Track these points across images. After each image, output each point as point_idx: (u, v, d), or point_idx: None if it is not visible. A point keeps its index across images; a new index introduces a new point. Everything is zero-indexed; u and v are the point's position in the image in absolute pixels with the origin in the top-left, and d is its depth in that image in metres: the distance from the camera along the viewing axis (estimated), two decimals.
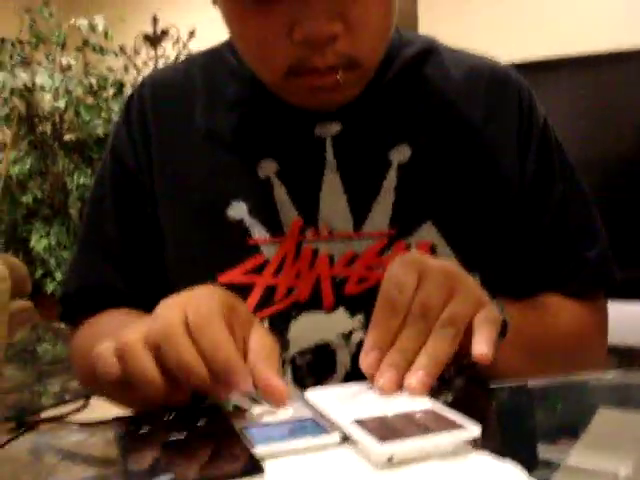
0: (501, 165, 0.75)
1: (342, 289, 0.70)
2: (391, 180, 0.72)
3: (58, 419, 1.94)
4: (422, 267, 0.53)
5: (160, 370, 0.47)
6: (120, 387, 0.49)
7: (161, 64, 4.67)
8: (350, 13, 0.61)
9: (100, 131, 4.42)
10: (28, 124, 4.47)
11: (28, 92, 4.33)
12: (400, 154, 0.73)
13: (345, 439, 0.42)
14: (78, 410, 2.01)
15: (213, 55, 0.81)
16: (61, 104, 4.32)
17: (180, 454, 0.38)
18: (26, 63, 4.41)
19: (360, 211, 0.71)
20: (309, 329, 0.70)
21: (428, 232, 0.71)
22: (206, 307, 0.49)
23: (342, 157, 0.73)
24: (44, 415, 1.95)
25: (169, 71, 0.84)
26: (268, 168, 0.73)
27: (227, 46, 0.80)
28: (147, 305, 0.56)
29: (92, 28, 4.36)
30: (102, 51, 4.52)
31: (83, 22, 4.35)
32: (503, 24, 3.26)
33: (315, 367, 0.70)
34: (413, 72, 0.77)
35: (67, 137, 4.55)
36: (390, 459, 0.38)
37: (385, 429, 0.40)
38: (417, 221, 0.71)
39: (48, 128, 4.51)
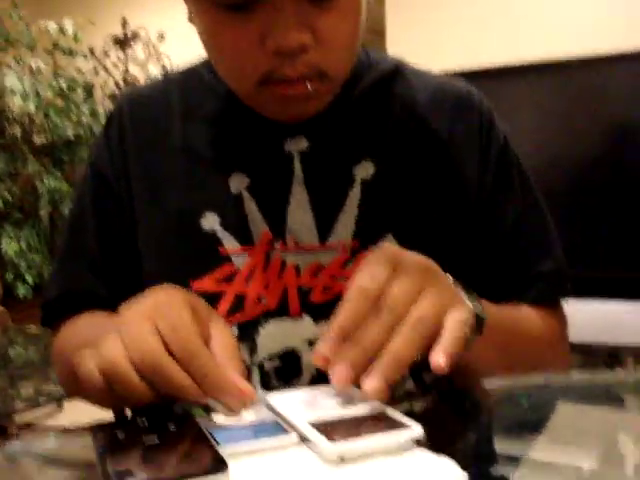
0: (462, 181, 0.79)
1: (308, 298, 0.74)
2: (355, 195, 0.76)
3: (33, 424, 1.94)
4: (398, 260, 0.54)
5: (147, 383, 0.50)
6: (104, 394, 0.51)
7: (131, 66, 4.66)
8: (319, 25, 0.65)
9: (70, 133, 4.39)
10: None
11: None
12: (364, 170, 0.76)
13: (303, 440, 0.46)
14: (52, 413, 2.03)
15: (190, 73, 0.85)
16: (31, 107, 4.29)
17: (154, 456, 0.42)
18: None
19: (325, 224, 0.75)
20: (276, 335, 0.74)
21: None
22: (178, 318, 0.51)
23: (309, 172, 0.76)
24: (18, 419, 1.96)
25: (147, 88, 0.87)
26: (239, 182, 0.76)
27: (204, 65, 0.83)
28: None
29: (61, 31, 4.34)
30: (71, 53, 4.50)
31: (52, 25, 4.33)
32: (470, 30, 3.32)
33: (282, 371, 0.74)
34: (381, 91, 0.81)
35: (37, 140, 4.53)
36: (342, 457, 0.42)
37: (337, 430, 0.45)
38: (378, 234, 0.75)
39: (18, 131, 4.47)
